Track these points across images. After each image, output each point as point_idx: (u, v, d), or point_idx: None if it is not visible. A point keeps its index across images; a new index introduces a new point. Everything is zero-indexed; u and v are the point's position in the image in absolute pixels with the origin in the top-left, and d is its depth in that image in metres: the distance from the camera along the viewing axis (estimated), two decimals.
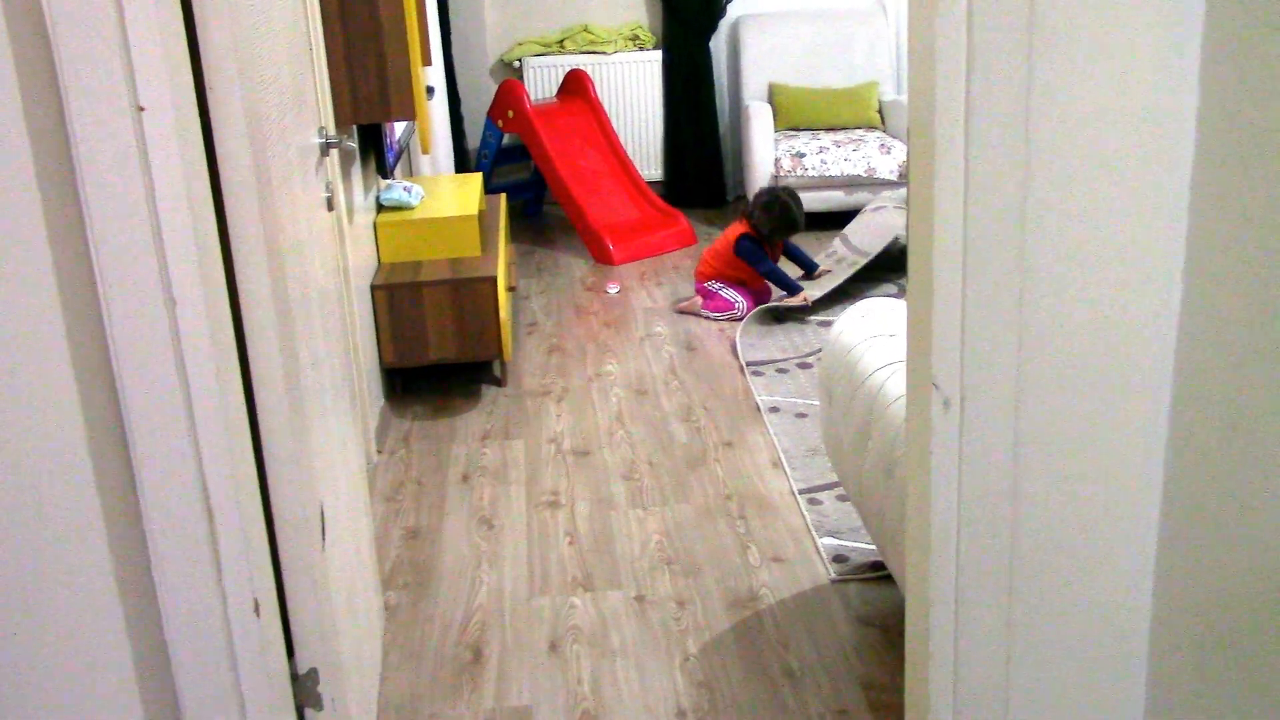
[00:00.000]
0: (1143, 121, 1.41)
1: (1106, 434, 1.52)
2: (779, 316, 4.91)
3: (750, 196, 5.38)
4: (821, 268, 5.19)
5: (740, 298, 4.97)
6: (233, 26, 1.50)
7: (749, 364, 4.45)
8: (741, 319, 4.91)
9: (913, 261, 1.58)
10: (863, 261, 5.10)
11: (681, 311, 5.06)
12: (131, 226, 1.29)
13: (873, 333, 2.62)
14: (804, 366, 4.41)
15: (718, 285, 5.02)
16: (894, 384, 2.37)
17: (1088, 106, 1.40)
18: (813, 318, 4.89)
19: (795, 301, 4.88)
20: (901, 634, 1.83)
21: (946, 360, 1.50)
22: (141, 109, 1.26)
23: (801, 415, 3.98)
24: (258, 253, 1.57)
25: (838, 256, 5.29)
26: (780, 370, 4.39)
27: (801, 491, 3.44)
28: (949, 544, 1.57)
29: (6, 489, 1.27)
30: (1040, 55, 1.38)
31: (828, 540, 3.16)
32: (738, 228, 5.03)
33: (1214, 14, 1.36)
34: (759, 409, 4.05)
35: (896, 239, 5.10)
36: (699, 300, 5.05)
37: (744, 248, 4.96)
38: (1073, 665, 1.63)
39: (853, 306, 2.87)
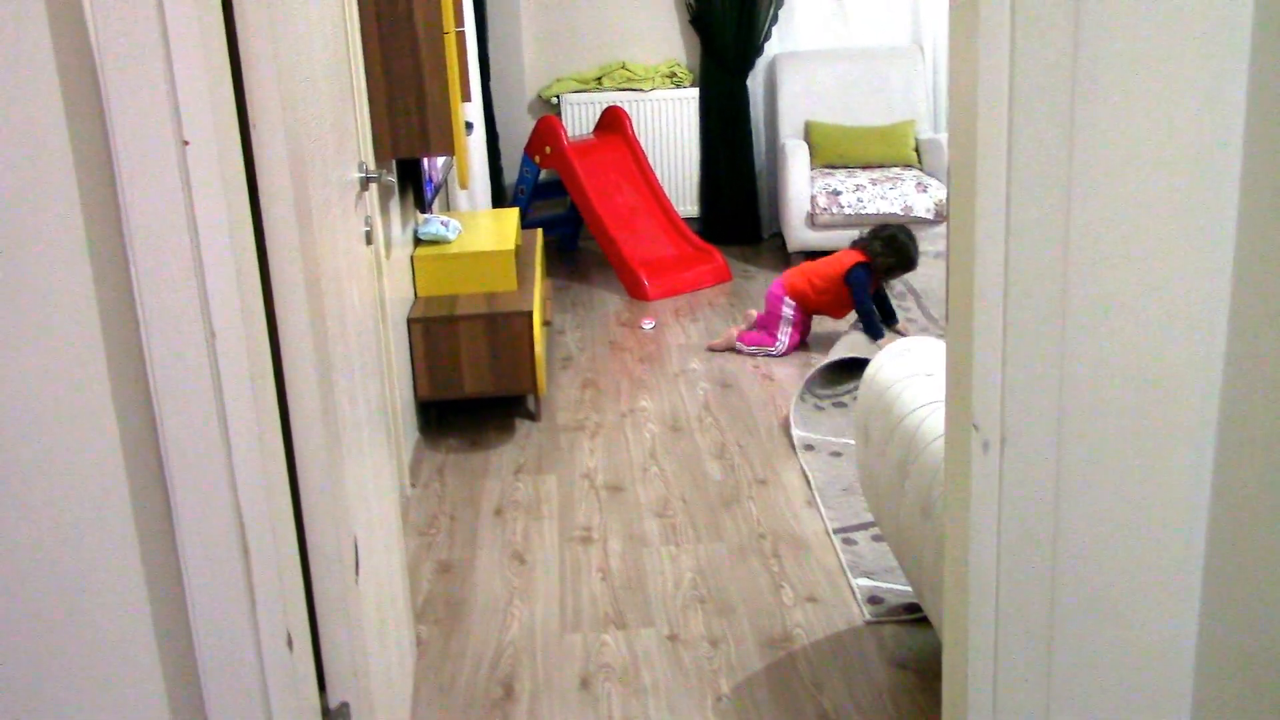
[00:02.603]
0: (1187, 162, 1.39)
1: (1149, 477, 1.50)
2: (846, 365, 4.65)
3: (783, 234, 5.27)
4: (900, 323, 5.02)
5: (785, 339, 4.94)
6: (276, 63, 1.52)
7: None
8: (778, 356, 4.88)
9: (953, 301, 1.56)
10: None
11: (713, 349, 5.04)
12: (174, 259, 1.30)
13: (911, 371, 2.60)
14: (839, 405, 4.38)
15: (793, 307, 4.90)
16: (932, 423, 2.35)
17: (1131, 146, 1.39)
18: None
19: (873, 348, 4.62)
20: (938, 678, 1.81)
21: (987, 402, 1.49)
22: (186, 143, 1.28)
23: (836, 454, 3.95)
24: (297, 286, 1.58)
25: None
26: (816, 408, 4.37)
27: (836, 531, 3.41)
28: (988, 588, 1.55)
29: (44, 520, 1.27)
30: (1083, 96, 1.37)
31: (863, 581, 3.13)
32: (852, 255, 4.88)
33: (1259, 55, 1.35)
34: (793, 447, 4.03)
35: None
36: (734, 333, 5.02)
37: (858, 277, 4.82)
38: (1114, 714, 1.60)
39: (890, 344, 2.85)
